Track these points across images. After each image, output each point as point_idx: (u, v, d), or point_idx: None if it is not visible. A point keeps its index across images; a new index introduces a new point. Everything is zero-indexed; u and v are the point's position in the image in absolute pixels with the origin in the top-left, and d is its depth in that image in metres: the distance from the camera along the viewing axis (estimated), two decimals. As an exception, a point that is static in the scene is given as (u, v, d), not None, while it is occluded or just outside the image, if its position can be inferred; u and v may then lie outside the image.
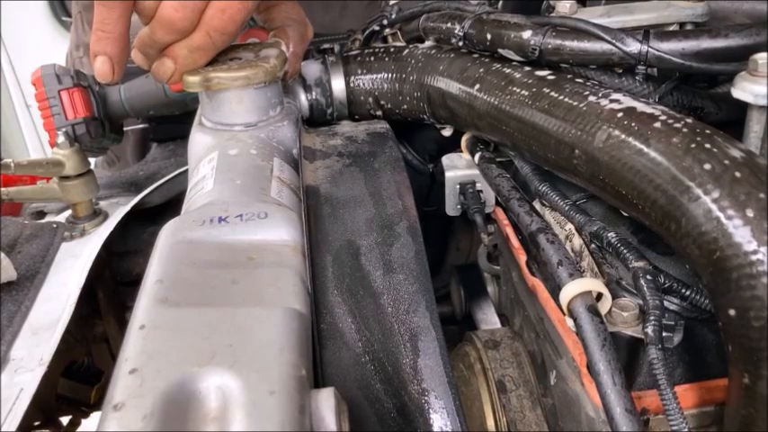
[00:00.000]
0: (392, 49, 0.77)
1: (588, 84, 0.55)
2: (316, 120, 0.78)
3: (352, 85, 0.77)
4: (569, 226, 0.58)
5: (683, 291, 0.49)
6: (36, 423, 0.73)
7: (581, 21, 0.59)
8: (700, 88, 0.62)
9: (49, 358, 0.57)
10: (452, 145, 0.75)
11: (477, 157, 0.68)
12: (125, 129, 0.94)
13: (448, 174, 0.71)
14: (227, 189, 0.55)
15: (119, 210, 0.79)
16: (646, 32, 0.56)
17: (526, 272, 0.60)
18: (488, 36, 0.63)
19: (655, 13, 0.64)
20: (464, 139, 0.71)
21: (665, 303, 0.48)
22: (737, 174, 0.40)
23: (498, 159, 0.67)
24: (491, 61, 0.64)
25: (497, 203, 0.69)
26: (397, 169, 0.61)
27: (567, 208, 0.58)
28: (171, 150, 1.04)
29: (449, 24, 0.69)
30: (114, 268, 0.84)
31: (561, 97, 0.53)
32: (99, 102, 0.84)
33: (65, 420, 0.81)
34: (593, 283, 0.48)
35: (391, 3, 0.85)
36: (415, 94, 0.74)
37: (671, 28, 0.64)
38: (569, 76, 0.57)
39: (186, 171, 0.76)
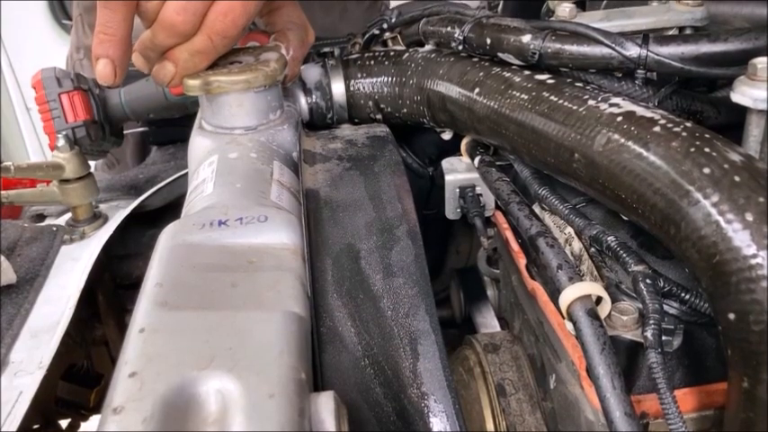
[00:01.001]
0: (392, 53, 0.77)
1: (588, 88, 0.55)
2: (316, 123, 0.78)
3: (352, 88, 0.77)
4: (569, 230, 0.58)
5: (683, 295, 0.49)
6: (35, 426, 0.73)
7: (580, 25, 0.59)
8: (699, 92, 0.62)
9: (48, 361, 0.57)
10: (452, 148, 0.75)
11: (476, 160, 0.68)
12: (125, 132, 0.94)
13: (448, 177, 0.71)
14: (227, 192, 0.55)
15: (118, 213, 0.79)
16: (645, 37, 0.56)
17: (526, 275, 0.60)
18: (488, 40, 0.63)
19: (654, 17, 0.64)
20: (464, 143, 0.71)
21: (665, 307, 0.48)
22: (737, 178, 0.40)
23: (498, 163, 0.67)
24: (491, 65, 0.64)
25: (497, 207, 0.69)
26: (396, 173, 0.61)
27: (566, 212, 0.58)
28: (171, 153, 1.04)
29: (449, 28, 0.69)
30: (114, 271, 0.84)
31: (561, 101, 0.54)
32: (99, 105, 0.84)
33: (64, 423, 0.81)
34: (592, 287, 0.48)
35: (391, 6, 0.85)
36: (414, 97, 0.74)
37: (670, 32, 0.64)
38: (569, 80, 0.57)
39: (186, 174, 0.76)
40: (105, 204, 0.83)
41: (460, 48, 0.68)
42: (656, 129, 0.45)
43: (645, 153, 0.45)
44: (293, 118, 0.68)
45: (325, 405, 0.36)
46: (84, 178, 0.76)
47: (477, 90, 0.63)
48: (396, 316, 0.49)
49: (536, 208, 0.62)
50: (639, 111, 0.48)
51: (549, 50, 0.59)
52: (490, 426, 0.61)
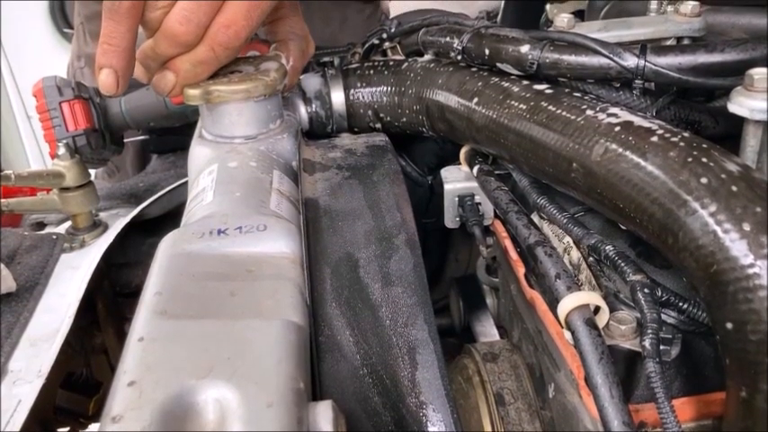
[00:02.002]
0: (391, 63, 0.77)
1: (586, 98, 0.55)
2: (315, 132, 0.79)
3: (351, 97, 0.77)
4: (567, 239, 0.59)
5: (681, 304, 0.49)
6: (34, 435, 0.73)
7: (579, 35, 0.59)
8: (697, 102, 0.62)
9: (47, 370, 0.57)
10: (451, 157, 0.75)
11: (475, 169, 0.68)
12: (125, 140, 0.94)
13: (447, 186, 0.71)
14: (226, 201, 0.55)
15: (118, 221, 0.79)
16: (643, 47, 0.56)
17: (524, 284, 0.60)
18: (486, 50, 0.64)
19: (652, 27, 0.64)
20: (463, 152, 0.72)
21: (663, 316, 0.48)
22: (734, 188, 0.40)
23: (497, 172, 0.67)
24: (489, 75, 0.65)
25: (496, 216, 0.69)
26: (395, 182, 0.61)
27: (564, 221, 0.58)
28: (171, 162, 1.04)
29: (447, 38, 0.69)
30: (114, 279, 0.84)
31: (559, 111, 0.54)
32: (100, 113, 0.85)
33: (63, 432, 0.81)
34: (590, 297, 0.48)
35: (391, 17, 0.85)
36: (414, 107, 0.74)
37: (668, 42, 0.65)
38: (567, 90, 0.58)
39: (186, 183, 0.76)
40: (105, 213, 0.83)
41: (459, 58, 0.68)
42: (654, 139, 0.45)
43: (643, 163, 0.45)
44: (293, 127, 0.68)
45: (324, 414, 0.36)
46: (84, 186, 0.77)
47: (475, 100, 0.63)
48: (394, 325, 0.49)
49: (534, 217, 0.62)
50: (637, 121, 0.48)
51: (548, 60, 0.59)
52: (489, 435, 0.61)
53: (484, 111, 0.62)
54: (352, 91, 0.77)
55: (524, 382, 0.63)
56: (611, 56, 0.56)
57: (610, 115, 0.50)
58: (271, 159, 0.63)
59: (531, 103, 0.57)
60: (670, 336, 0.46)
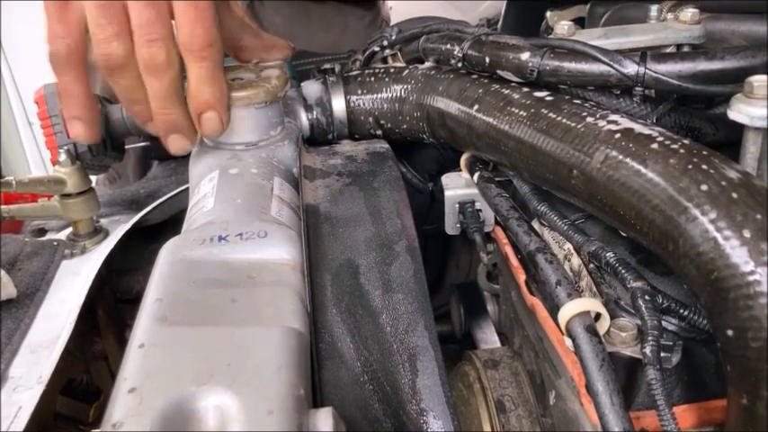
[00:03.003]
0: (392, 70, 0.78)
1: (586, 105, 0.55)
2: (316, 139, 0.79)
3: (352, 104, 0.78)
4: (568, 246, 0.59)
5: (682, 311, 0.49)
6: (34, 441, 0.73)
7: (579, 42, 0.59)
8: (697, 109, 0.62)
9: (47, 376, 0.57)
10: (452, 164, 0.75)
11: (476, 176, 0.69)
12: (126, 147, 0.94)
13: (447, 193, 0.71)
14: (227, 208, 0.55)
15: (119, 227, 0.79)
16: (643, 54, 0.56)
17: (525, 291, 0.60)
18: (487, 57, 0.64)
19: (652, 34, 0.65)
20: (463, 159, 0.72)
21: (664, 323, 0.48)
22: (734, 195, 0.40)
23: (497, 179, 0.68)
24: (490, 82, 0.65)
25: (497, 223, 0.69)
26: (396, 188, 0.61)
27: (565, 228, 0.58)
28: (172, 168, 1.04)
29: (448, 46, 0.69)
30: (114, 286, 0.84)
31: (559, 118, 0.54)
32: (101, 120, 0.85)
33: (63, 439, 0.81)
34: (591, 303, 0.48)
35: (392, 24, 0.85)
36: (414, 113, 0.74)
37: (668, 50, 0.65)
38: (567, 97, 0.58)
39: (187, 189, 0.76)
40: (106, 219, 0.83)
41: (460, 65, 0.68)
42: (654, 146, 0.46)
43: (643, 170, 0.45)
44: (294, 134, 0.68)
45: (324, 421, 0.36)
46: (85, 193, 0.77)
47: (476, 107, 0.63)
48: (395, 332, 0.49)
49: (535, 224, 0.62)
50: (637, 128, 0.48)
51: (548, 68, 0.59)
52: (490, 442, 0.61)
53: (484, 118, 0.62)
54: (352, 98, 0.77)
55: (525, 389, 0.63)
56: (611, 63, 0.56)
57: (610, 122, 0.50)
58: (272, 166, 0.64)
59: (532, 110, 0.57)
60: (671, 343, 0.46)
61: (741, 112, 0.47)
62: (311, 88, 0.79)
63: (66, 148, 0.79)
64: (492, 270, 0.79)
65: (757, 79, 0.46)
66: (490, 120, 0.61)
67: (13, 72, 2.63)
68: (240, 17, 0.70)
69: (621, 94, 0.60)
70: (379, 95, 0.76)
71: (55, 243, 0.76)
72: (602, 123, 0.50)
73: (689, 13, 0.64)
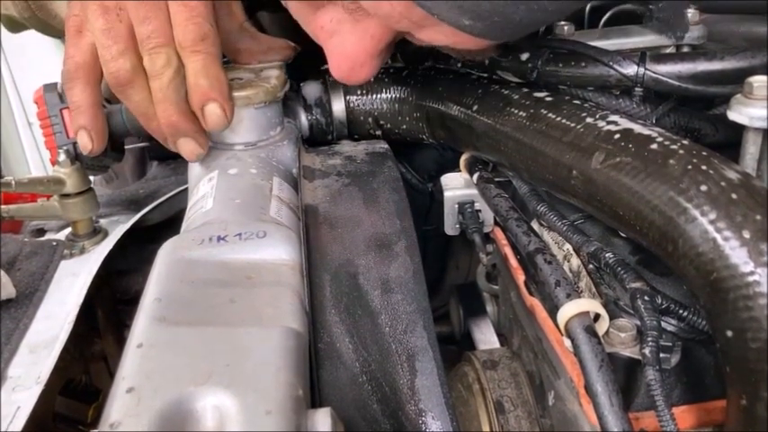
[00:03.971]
0: (392, 70, 0.78)
1: (586, 105, 0.55)
2: (316, 139, 0.79)
3: (351, 105, 0.77)
4: (567, 246, 0.59)
5: (681, 312, 0.49)
6: (32, 442, 0.73)
7: (578, 43, 0.59)
8: (697, 109, 0.62)
9: (46, 377, 0.57)
10: (451, 164, 0.75)
11: (475, 176, 0.69)
12: (125, 147, 0.94)
13: (447, 193, 0.71)
14: (226, 208, 0.55)
15: (118, 228, 0.79)
16: (642, 55, 0.56)
17: (524, 292, 0.60)
18: (487, 58, 0.64)
19: (651, 35, 0.65)
20: (463, 159, 0.72)
21: (663, 324, 0.48)
22: (734, 195, 0.40)
23: (497, 179, 0.68)
24: (489, 82, 0.65)
25: (496, 223, 0.69)
26: (395, 189, 0.61)
27: (564, 228, 0.58)
28: (171, 169, 1.04)
29: (448, 46, 0.69)
30: (113, 286, 0.84)
31: (559, 119, 0.54)
32: (100, 120, 0.85)
33: (61, 439, 0.81)
34: (590, 304, 0.48)
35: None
36: (414, 114, 0.74)
37: (667, 50, 0.65)
38: (567, 98, 0.58)
39: (186, 190, 0.76)
40: (105, 219, 0.83)
41: (460, 65, 0.68)
42: (654, 146, 0.46)
43: (642, 170, 0.45)
44: (293, 134, 0.68)
45: (323, 421, 0.36)
46: (84, 193, 0.77)
47: (475, 107, 0.63)
48: (393, 332, 0.49)
49: (534, 224, 0.62)
50: (637, 128, 0.48)
51: (548, 68, 0.59)
52: (489, 443, 0.61)
53: (484, 118, 0.62)
54: (352, 98, 0.77)
55: (524, 390, 0.63)
56: (611, 64, 0.57)
57: (609, 123, 0.50)
58: (271, 166, 0.64)
59: (531, 111, 0.57)
60: (670, 343, 0.46)
61: (741, 112, 0.47)
62: (311, 88, 0.79)
63: (65, 148, 0.79)
64: (491, 271, 0.79)
65: (757, 80, 0.46)
66: (490, 120, 0.61)
67: (13, 72, 2.63)
68: (240, 21, 0.70)
69: (621, 94, 0.60)
70: (379, 96, 0.76)
71: (54, 243, 0.76)
72: (601, 124, 0.50)
73: (689, 13, 0.64)
